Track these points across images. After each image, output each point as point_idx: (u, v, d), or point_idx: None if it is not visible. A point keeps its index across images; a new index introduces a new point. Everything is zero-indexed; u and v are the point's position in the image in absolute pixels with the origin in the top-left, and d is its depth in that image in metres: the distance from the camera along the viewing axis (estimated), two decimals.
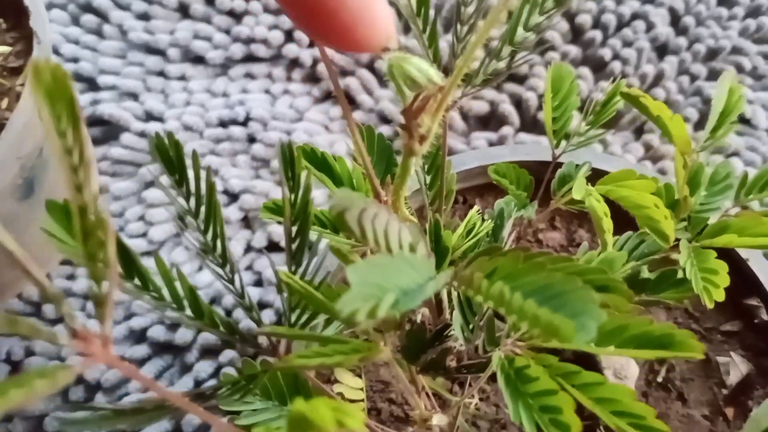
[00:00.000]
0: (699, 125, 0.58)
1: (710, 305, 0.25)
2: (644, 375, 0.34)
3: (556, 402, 0.19)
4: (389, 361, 0.20)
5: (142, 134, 0.55)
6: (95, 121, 0.56)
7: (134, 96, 0.57)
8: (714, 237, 0.27)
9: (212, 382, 0.48)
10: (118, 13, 0.60)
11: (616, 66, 0.58)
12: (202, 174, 0.22)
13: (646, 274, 0.28)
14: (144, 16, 0.61)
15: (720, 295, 0.25)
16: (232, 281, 0.22)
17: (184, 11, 0.61)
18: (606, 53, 0.58)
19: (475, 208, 0.28)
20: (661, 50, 0.60)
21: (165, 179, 0.22)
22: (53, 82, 0.13)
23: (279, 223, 0.51)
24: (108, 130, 0.56)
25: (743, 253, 0.34)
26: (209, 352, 0.49)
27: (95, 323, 0.17)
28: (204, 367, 0.48)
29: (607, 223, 0.26)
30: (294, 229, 0.21)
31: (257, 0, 0.62)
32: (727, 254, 0.35)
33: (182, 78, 0.59)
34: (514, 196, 0.30)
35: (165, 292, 0.20)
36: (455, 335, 0.25)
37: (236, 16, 0.61)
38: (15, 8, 0.46)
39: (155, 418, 0.19)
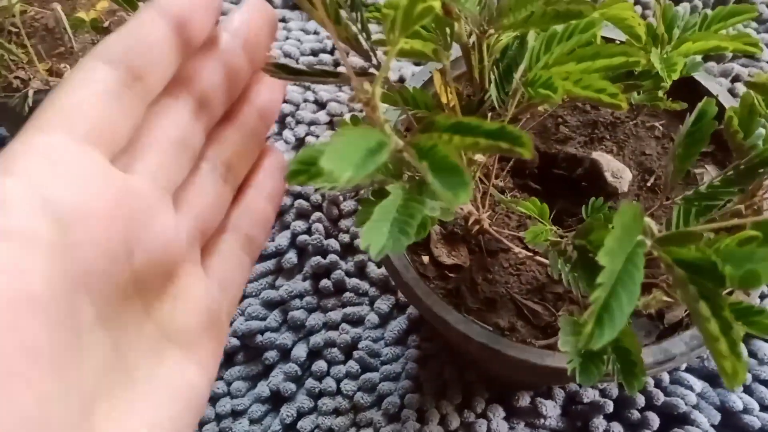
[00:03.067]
0: None
1: (669, 82, 0.37)
2: (636, 182, 0.45)
3: (550, 79, 0.31)
4: (445, 68, 0.33)
5: None
6: None
7: None
8: (677, 48, 0.39)
9: (305, 237, 0.61)
10: None
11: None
12: None
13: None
14: None
15: (675, 77, 0.37)
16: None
17: None
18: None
19: None
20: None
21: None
22: None
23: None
24: None
25: (713, 91, 0.45)
26: (302, 215, 0.62)
27: None
28: (299, 225, 0.61)
29: (600, 25, 0.38)
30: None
31: None
32: (699, 94, 0.46)
33: (283, 20, 0.74)
34: None
35: None
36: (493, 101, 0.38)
37: None
38: None
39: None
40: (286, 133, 0.66)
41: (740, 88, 0.66)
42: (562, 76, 0.32)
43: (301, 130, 0.66)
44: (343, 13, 0.35)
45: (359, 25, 0.36)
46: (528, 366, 0.39)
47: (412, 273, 0.41)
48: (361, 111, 0.67)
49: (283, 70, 0.33)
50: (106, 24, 0.55)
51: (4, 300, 0.21)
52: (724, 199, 0.33)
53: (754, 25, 0.71)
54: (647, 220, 0.27)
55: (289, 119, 0.67)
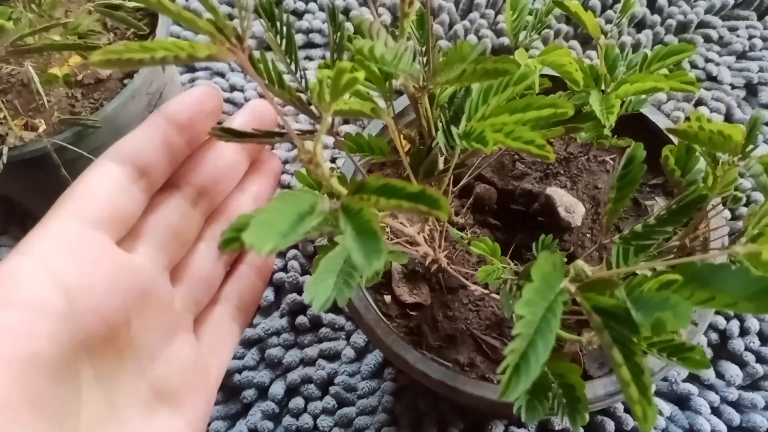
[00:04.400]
0: None
1: (608, 124, 0.38)
2: (590, 215, 0.47)
3: (483, 132, 0.32)
4: (388, 122, 0.35)
5: (227, 101, 0.72)
6: None
7: (222, 74, 0.74)
8: (616, 90, 0.41)
9: (281, 274, 0.62)
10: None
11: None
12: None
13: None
14: (229, 17, 0.79)
15: (613, 119, 0.38)
16: (299, 80, 0.37)
17: (259, 12, 0.79)
18: None
19: None
20: (639, 25, 0.74)
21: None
22: None
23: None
24: None
25: (661, 125, 0.47)
26: (278, 253, 0.63)
27: None
28: (275, 262, 0.62)
29: (535, 75, 0.39)
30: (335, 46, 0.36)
31: (314, 2, 0.79)
32: (647, 128, 0.48)
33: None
34: None
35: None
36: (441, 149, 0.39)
37: (298, 14, 0.78)
38: None
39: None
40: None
41: (703, 112, 0.68)
42: (496, 127, 0.34)
43: None
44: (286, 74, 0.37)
45: (303, 84, 0.38)
46: (487, 401, 0.40)
47: (372, 313, 0.42)
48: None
49: (229, 134, 0.35)
50: (79, 77, 0.57)
51: (15, 359, 0.25)
52: (660, 238, 0.35)
53: (717, 48, 0.73)
54: (580, 263, 0.28)
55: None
